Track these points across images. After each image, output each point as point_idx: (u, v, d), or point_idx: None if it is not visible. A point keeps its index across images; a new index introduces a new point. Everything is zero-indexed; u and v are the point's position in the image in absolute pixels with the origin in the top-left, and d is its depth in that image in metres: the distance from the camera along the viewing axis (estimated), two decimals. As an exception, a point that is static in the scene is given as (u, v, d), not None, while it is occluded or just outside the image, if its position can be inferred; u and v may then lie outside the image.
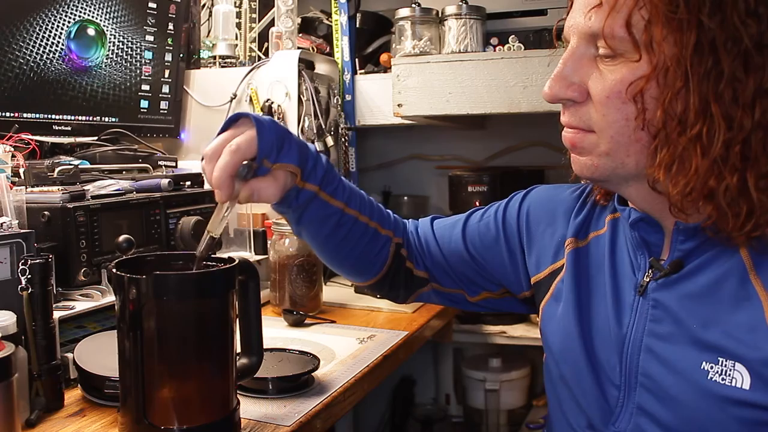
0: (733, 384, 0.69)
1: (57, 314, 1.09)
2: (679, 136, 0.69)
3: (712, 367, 0.71)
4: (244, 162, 0.80)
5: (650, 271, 0.79)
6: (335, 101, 1.99)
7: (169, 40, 1.88)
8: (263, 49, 2.06)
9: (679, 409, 0.73)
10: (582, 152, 0.77)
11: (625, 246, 0.84)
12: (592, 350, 0.83)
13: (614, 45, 0.71)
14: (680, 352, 0.74)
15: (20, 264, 1.02)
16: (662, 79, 0.69)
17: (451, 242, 1.01)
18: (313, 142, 1.87)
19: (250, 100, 1.85)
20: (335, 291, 1.83)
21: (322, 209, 0.91)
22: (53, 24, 1.54)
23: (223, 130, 0.83)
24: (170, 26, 1.87)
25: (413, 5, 1.90)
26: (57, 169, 1.36)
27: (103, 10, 1.66)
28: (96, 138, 1.65)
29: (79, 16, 1.60)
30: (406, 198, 2.45)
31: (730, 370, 0.70)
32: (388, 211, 1.04)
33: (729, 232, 0.70)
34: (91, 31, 1.64)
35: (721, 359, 0.71)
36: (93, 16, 1.64)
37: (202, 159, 0.84)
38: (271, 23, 2.04)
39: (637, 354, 0.78)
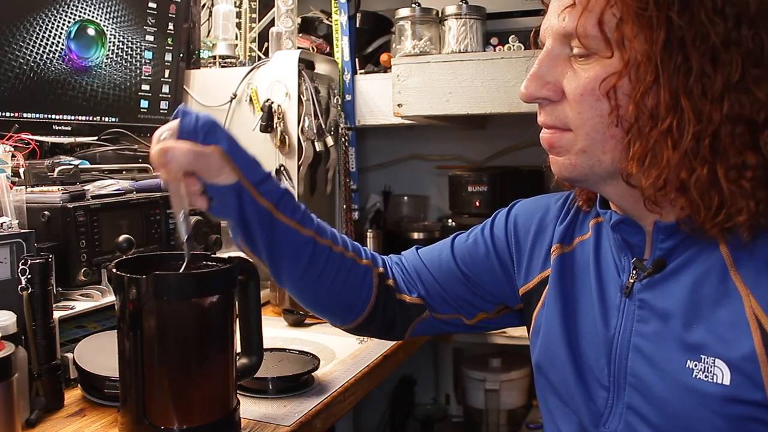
0: (714, 380, 0.70)
1: (57, 314, 1.09)
2: (651, 129, 0.71)
3: (696, 365, 0.72)
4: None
5: (634, 272, 0.80)
6: (335, 101, 1.99)
7: (169, 40, 1.88)
8: (263, 49, 2.06)
9: (666, 407, 0.74)
10: (560, 152, 0.79)
11: (609, 249, 0.85)
12: (579, 353, 0.84)
13: (587, 44, 0.73)
14: (666, 351, 0.75)
15: (20, 264, 1.02)
16: (634, 75, 0.71)
17: (441, 265, 1.00)
18: (313, 142, 1.87)
19: (250, 100, 1.85)
20: (335, 291, 1.83)
21: (292, 237, 0.89)
22: (53, 24, 1.54)
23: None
24: (170, 26, 1.87)
25: (413, 5, 1.90)
26: (57, 169, 1.36)
27: (103, 10, 1.66)
28: (96, 138, 1.66)
29: (79, 16, 1.60)
30: (406, 198, 2.45)
31: (711, 366, 0.71)
32: (364, 247, 1.02)
33: (702, 223, 0.72)
34: (91, 31, 1.64)
35: (703, 356, 0.72)
36: (93, 16, 1.64)
37: None
38: (271, 23, 2.04)
39: (625, 355, 0.78)
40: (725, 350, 0.70)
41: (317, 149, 1.88)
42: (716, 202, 0.70)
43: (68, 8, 1.57)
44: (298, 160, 1.82)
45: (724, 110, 0.69)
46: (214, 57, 1.97)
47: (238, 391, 0.96)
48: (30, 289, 1.02)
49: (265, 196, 0.87)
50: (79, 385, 1.11)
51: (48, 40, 1.54)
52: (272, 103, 1.80)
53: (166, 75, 1.89)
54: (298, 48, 1.97)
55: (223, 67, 1.96)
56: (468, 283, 0.99)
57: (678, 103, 0.69)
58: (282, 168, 1.82)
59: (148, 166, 1.63)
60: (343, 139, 2.04)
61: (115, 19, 1.70)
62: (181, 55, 1.92)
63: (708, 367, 0.71)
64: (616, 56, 0.71)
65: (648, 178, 0.72)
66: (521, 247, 0.96)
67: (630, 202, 0.78)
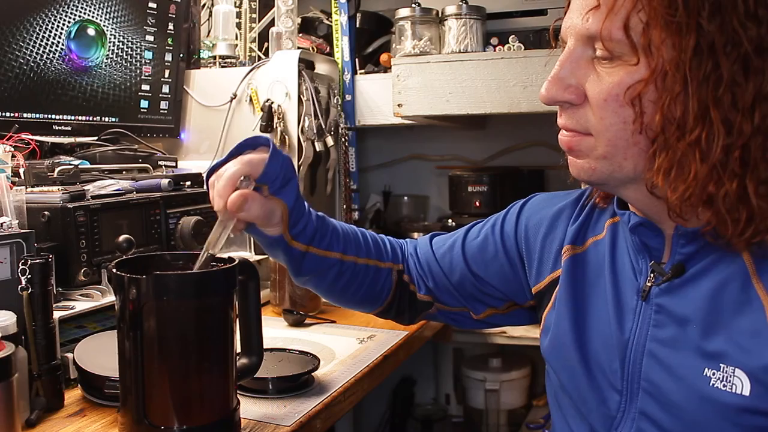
0: (734, 390, 0.69)
1: (57, 314, 1.09)
2: (678, 141, 0.68)
3: (714, 374, 0.70)
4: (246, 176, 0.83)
5: (652, 276, 0.78)
6: (335, 101, 1.99)
7: (169, 40, 1.88)
8: (263, 49, 2.06)
9: (681, 414, 0.73)
10: (579, 155, 0.77)
11: (625, 250, 0.83)
12: (591, 356, 0.82)
13: (612, 47, 0.70)
14: (683, 358, 0.73)
15: (20, 264, 1.02)
16: (661, 83, 0.68)
17: (452, 262, 1.00)
18: (313, 142, 1.87)
19: (250, 100, 1.85)
20: (335, 291, 1.83)
21: (319, 263, 0.93)
22: (53, 24, 1.54)
23: (238, 149, 0.86)
24: (170, 26, 1.87)
25: (413, 5, 1.90)
26: (57, 169, 1.36)
27: (103, 10, 1.66)
28: (96, 138, 1.65)
29: (79, 16, 1.60)
30: (406, 198, 2.45)
31: (731, 376, 0.69)
32: (383, 238, 1.05)
33: (729, 238, 0.70)
34: (91, 31, 1.64)
35: (722, 366, 0.70)
36: (93, 16, 1.64)
37: (210, 173, 0.86)
38: (271, 23, 2.04)
39: (639, 359, 0.77)
40: (746, 360, 0.69)
41: (317, 149, 1.88)
42: (744, 218, 0.68)
43: (68, 8, 1.57)
44: (298, 160, 1.82)
45: (755, 122, 0.66)
46: (214, 57, 1.97)
47: (238, 391, 0.96)
48: (30, 289, 1.02)
49: (299, 240, 0.90)
50: (79, 385, 1.11)
51: (48, 40, 1.54)
52: (272, 103, 1.80)
53: (166, 75, 1.89)
54: (298, 48, 1.97)
55: (223, 67, 1.95)
56: (476, 281, 0.99)
57: (707, 113, 0.67)
58: (282, 168, 1.82)
59: (148, 166, 1.63)
60: (343, 139, 2.04)
61: (115, 19, 1.70)
62: (181, 55, 1.92)
63: (727, 377, 0.69)
64: (643, 62, 0.69)
65: (674, 192, 0.69)
66: (531, 247, 0.95)
67: (651, 206, 0.76)
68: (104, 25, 1.67)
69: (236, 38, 2.00)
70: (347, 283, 0.98)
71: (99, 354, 1.10)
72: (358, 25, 2.12)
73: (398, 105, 1.84)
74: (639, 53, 0.69)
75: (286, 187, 0.86)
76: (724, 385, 0.69)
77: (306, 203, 0.92)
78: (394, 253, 1.04)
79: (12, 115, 1.49)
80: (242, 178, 0.82)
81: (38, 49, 1.52)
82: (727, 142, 0.67)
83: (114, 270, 0.88)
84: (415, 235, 2.25)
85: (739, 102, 0.66)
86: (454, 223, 2.15)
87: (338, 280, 0.97)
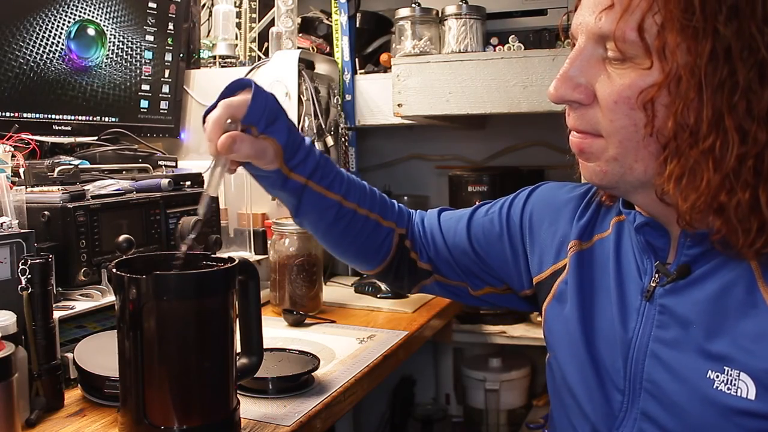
0: (739, 394, 0.68)
1: (57, 314, 1.09)
2: (691, 148, 0.67)
3: (717, 376, 0.70)
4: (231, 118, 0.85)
5: (656, 276, 0.78)
6: (335, 101, 1.99)
7: (169, 40, 1.88)
8: (263, 49, 2.06)
9: (683, 416, 0.72)
10: (590, 158, 0.76)
11: (630, 249, 0.83)
12: (596, 354, 0.82)
13: (625, 49, 0.69)
14: (686, 359, 0.73)
15: (20, 264, 1.02)
16: (674, 88, 0.67)
17: (456, 235, 1.02)
18: (313, 143, 1.86)
19: (250, 100, 1.84)
20: (335, 291, 1.83)
21: (318, 201, 0.94)
22: (53, 24, 1.54)
23: (226, 92, 0.88)
24: (170, 26, 1.87)
25: (413, 5, 1.90)
26: (57, 169, 1.36)
27: (103, 10, 1.66)
28: (96, 138, 1.65)
29: (79, 16, 1.60)
30: (406, 198, 2.44)
31: (735, 379, 0.69)
32: (393, 201, 1.06)
33: (739, 248, 0.69)
34: (91, 31, 1.64)
35: (726, 368, 0.70)
36: (93, 16, 1.64)
37: (204, 118, 0.89)
38: (271, 23, 2.04)
39: (642, 359, 0.77)
40: (751, 363, 0.68)
41: (318, 149, 1.88)
42: (755, 228, 0.67)
43: (68, 8, 1.57)
44: (298, 160, 1.82)
45: None
46: (214, 57, 1.97)
47: (238, 391, 0.96)
48: (30, 289, 1.02)
49: (298, 172, 0.91)
50: (79, 385, 1.11)
51: (48, 40, 1.54)
52: (272, 103, 1.80)
53: (166, 75, 1.89)
54: (298, 48, 1.97)
55: (223, 67, 1.96)
56: (477, 258, 1.00)
57: (721, 121, 0.65)
58: (282, 168, 1.82)
59: (148, 166, 1.63)
60: (343, 139, 2.04)
61: (115, 19, 1.70)
62: (181, 55, 1.92)
63: (732, 380, 0.69)
64: (656, 66, 0.67)
65: (685, 201, 0.68)
66: (534, 236, 0.95)
67: (659, 211, 0.76)
68: (104, 25, 1.67)
69: (236, 38, 2.00)
70: (345, 228, 0.97)
71: (99, 354, 1.10)
72: (358, 25, 2.12)
73: (398, 105, 1.84)
74: (652, 56, 0.68)
75: (275, 125, 0.87)
76: (729, 389, 0.69)
77: (307, 139, 0.93)
78: (400, 216, 1.04)
79: (12, 115, 1.49)
80: (228, 120, 0.83)
81: (38, 49, 1.52)
82: (741, 151, 0.66)
83: (114, 270, 0.88)
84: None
85: (755, 110, 0.65)
86: (454, 223, 2.15)
87: (336, 223, 0.96)
